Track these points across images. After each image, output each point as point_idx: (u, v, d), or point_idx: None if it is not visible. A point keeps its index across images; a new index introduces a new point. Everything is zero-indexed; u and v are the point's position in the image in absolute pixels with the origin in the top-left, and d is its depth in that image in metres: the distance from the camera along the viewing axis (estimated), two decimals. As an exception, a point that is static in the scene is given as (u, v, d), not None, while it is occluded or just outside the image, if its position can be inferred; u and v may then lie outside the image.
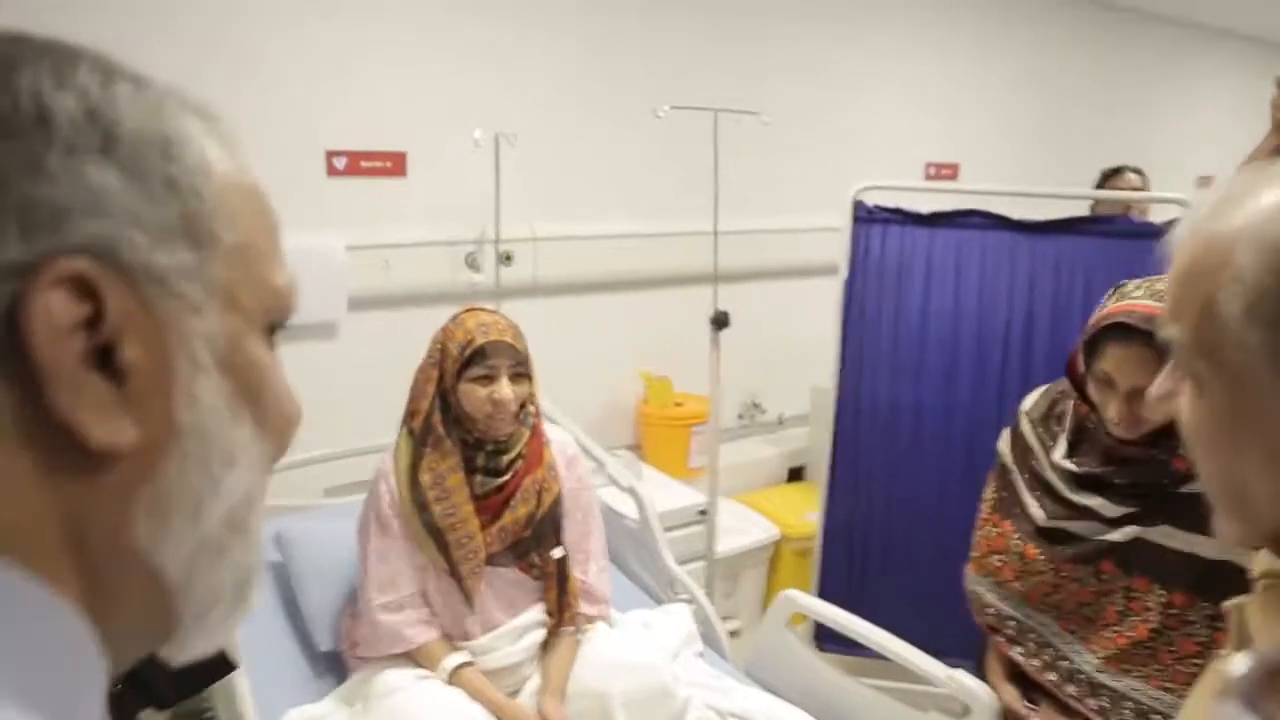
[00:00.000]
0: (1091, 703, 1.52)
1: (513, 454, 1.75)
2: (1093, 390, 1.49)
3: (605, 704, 1.65)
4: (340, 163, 2.62)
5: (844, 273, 2.59)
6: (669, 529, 2.49)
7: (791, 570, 3.16)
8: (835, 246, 2.61)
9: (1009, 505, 1.66)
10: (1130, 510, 1.49)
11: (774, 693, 1.84)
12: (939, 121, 4.02)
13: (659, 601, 2.19)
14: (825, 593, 2.59)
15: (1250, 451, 0.61)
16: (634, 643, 1.80)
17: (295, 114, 2.51)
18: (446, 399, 1.72)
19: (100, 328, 0.37)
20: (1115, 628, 1.51)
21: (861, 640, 1.76)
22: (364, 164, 2.66)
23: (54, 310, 0.36)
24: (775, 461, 3.61)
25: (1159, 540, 1.47)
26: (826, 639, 2.20)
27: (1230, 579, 1.30)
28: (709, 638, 2.07)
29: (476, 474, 1.73)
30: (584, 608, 1.83)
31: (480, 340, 1.67)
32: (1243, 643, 0.68)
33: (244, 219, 0.44)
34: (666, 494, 2.87)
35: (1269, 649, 0.46)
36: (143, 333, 0.38)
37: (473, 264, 2.86)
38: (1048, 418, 1.65)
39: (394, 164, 2.70)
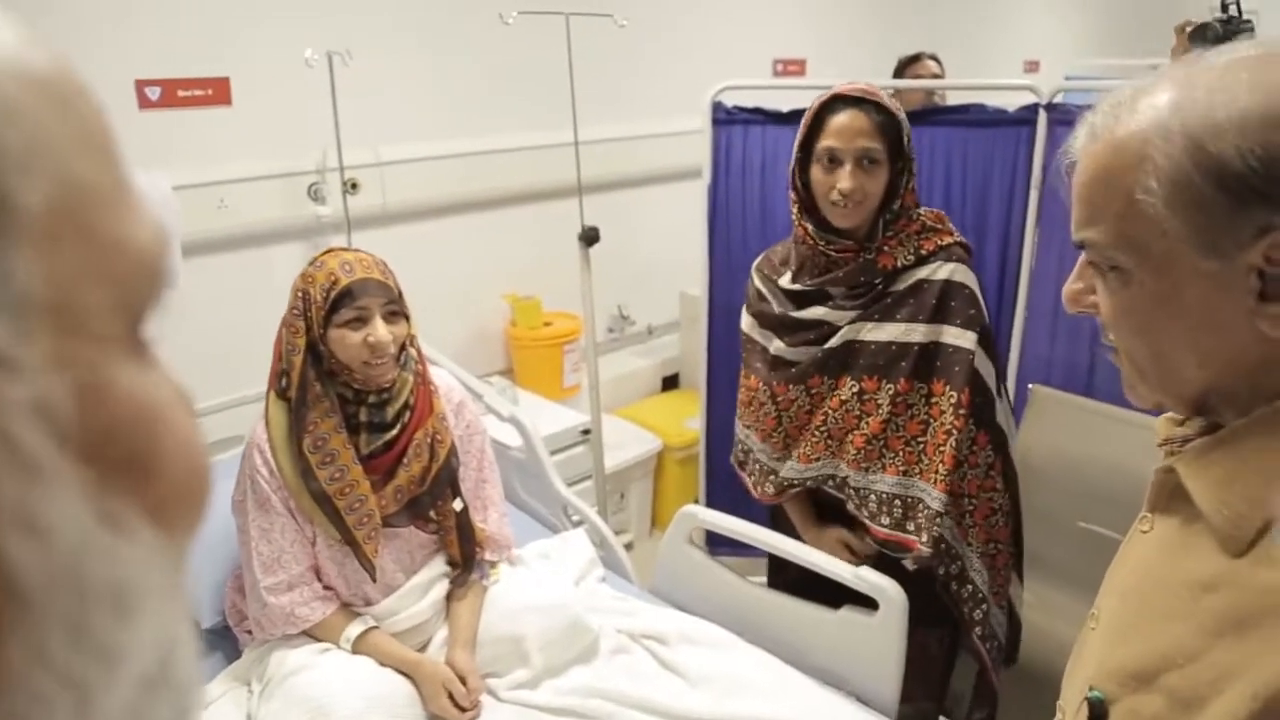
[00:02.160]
0: (843, 494, 1.69)
1: (398, 404, 1.62)
2: (819, 181, 1.59)
3: (520, 647, 1.62)
4: (154, 93, 2.35)
5: (707, 176, 2.55)
6: (553, 452, 2.45)
7: (676, 479, 3.19)
8: (697, 150, 2.56)
9: (751, 361, 1.79)
10: (854, 314, 1.63)
11: (681, 608, 1.85)
12: (785, 17, 3.98)
13: (553, 530, 2.16)
14: (712, 499, 2.62)
15: (1176, 327, 0.68)
16: (541, 582, 1.76)
17: (96, 39, 2.22)
18: (317, 351, 1.55)
19: None
20: (855, 431, 1.65)
21: (768, 550, 1.78)
22: (181, 93, 2.39)
23: None
24: (648, 372, 3.60)
25: (877, 338, 1.61)
26: (718, 544, 2.23)
27: (935, 358, 1.60)
28: (609, 560, 2.05)
29: (361, 432, 1.59)
30: (488, 555, 1.77)
31: (345, 280, 1.51)
32: (1157, 504, 0.75)
33: (55, 141, 0.24)
34: (545, 417, 2.81)
35: None
36: None
37: (316, 196, 2.65)
38: (772, 266, 1.78)
39: (216, 91, 2.45)
